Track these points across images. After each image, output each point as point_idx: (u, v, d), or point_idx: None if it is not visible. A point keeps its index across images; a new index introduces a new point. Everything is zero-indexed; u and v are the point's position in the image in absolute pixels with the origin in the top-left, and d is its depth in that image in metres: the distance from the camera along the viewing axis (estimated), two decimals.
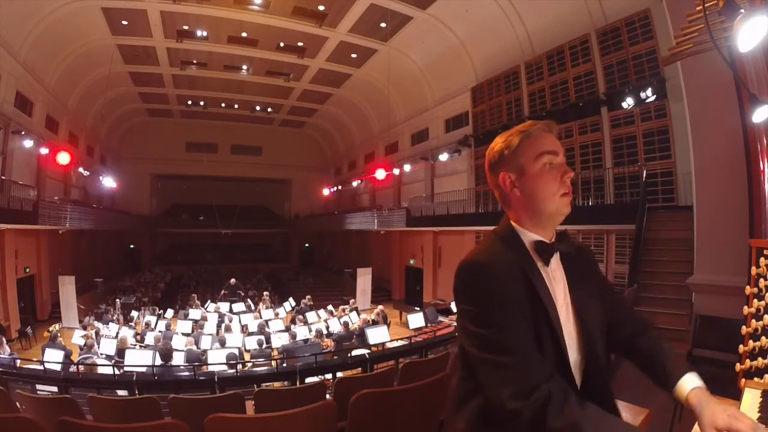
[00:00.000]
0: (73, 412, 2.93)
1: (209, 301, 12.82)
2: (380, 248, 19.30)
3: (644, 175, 8.41)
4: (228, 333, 8.24)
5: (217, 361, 5.99)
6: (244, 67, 16.70)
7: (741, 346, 1.81)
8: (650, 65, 8.57)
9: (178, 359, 6.18)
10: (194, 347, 7.01)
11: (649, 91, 8.31)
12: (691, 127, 5.43)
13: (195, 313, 10.45)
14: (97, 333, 8.08)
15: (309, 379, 5.29)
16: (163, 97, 19.98)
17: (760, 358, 1.71)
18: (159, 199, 25.80)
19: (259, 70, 16.86)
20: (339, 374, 5.58)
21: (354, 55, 15.40)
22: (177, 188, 26.30)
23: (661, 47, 8.14)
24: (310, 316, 10.11)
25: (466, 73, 13.80)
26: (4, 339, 6.79)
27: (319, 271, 23.84)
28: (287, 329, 8.60)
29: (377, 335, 7.20)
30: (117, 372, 5.45)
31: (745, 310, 1.91)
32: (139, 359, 5.82)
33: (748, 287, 1.99)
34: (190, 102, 20.82)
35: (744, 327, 1.86)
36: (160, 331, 8.34)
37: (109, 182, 15.18)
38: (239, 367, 5.78)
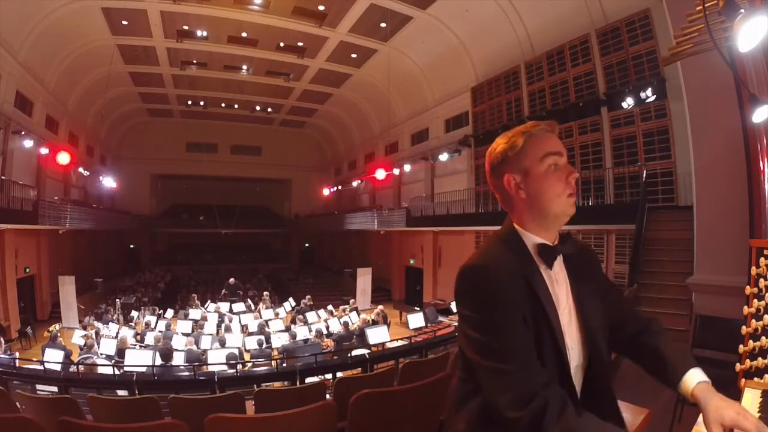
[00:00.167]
0: (73, 412, 2.93)
1: (209, 301, 12.81)
2: (380, 248, 19.29)
3: (644, 175, 8.40)
4: (228, 333, 8.25)
5: (217, 361, 5.98)
6: (244, 67, 16.69)
7: (741, 346, 1.81)
8: (650, 65, 8.57)
9: (178, 359, 6.18)
10: (194, 347, 7.01)
11: (649, 91, 8.30)
12: (691, 127, 5.42)
13: (195, 313, 10.45)
14: (97, 333, 8.08)
15: (309, 379, 5.28)
16: (163, 97, 19.97)
17: (760, 358, 1.72)
18: (159, 199, 25.79)
19: (259, 70, 16.85)
20: (339, 374, 5.58)
21: (354, 55, 15.40)
22: (177, 188, 26.30)
23: (661, 47, 8.13)
24: (310, 316, 10.11)
25: (466, 73, 13.79)
26: (2, 339, 6.78)
27: (319, 271, 23.82)
28: (287, 329, 8.59)
29: (377, 335, 7.19)
30: (117, 372, 5.45)
31: (745, 310, 1.92)
32: (139, 359, 5.82)
33: (748, 287, 1.99)
34: (190, 102, 20.81)
35: (744, 327, 1.86)
36: (160, 331, 8.34)
37: (109, 182, 15.20)
38: (239, 367, 5.77)
